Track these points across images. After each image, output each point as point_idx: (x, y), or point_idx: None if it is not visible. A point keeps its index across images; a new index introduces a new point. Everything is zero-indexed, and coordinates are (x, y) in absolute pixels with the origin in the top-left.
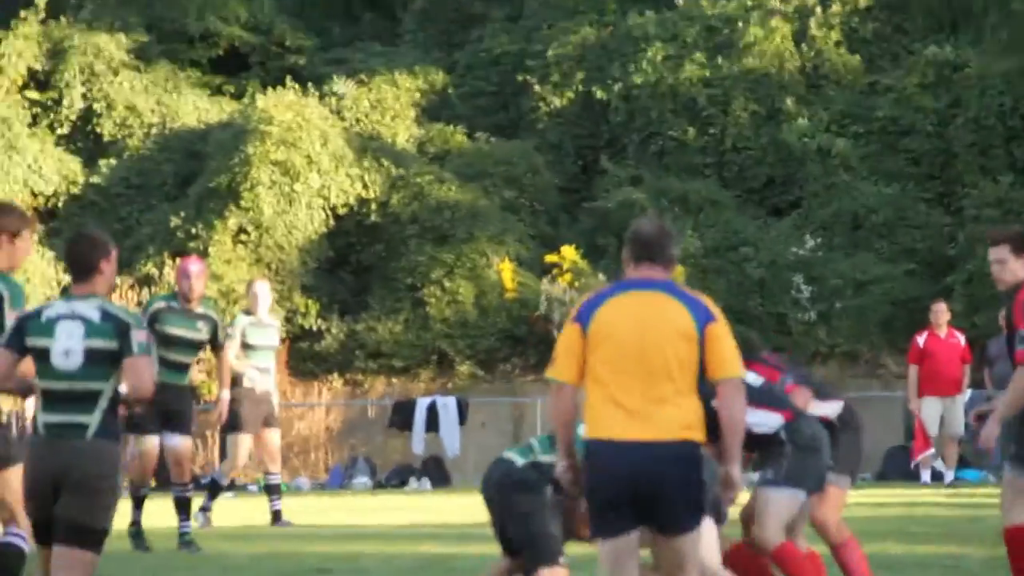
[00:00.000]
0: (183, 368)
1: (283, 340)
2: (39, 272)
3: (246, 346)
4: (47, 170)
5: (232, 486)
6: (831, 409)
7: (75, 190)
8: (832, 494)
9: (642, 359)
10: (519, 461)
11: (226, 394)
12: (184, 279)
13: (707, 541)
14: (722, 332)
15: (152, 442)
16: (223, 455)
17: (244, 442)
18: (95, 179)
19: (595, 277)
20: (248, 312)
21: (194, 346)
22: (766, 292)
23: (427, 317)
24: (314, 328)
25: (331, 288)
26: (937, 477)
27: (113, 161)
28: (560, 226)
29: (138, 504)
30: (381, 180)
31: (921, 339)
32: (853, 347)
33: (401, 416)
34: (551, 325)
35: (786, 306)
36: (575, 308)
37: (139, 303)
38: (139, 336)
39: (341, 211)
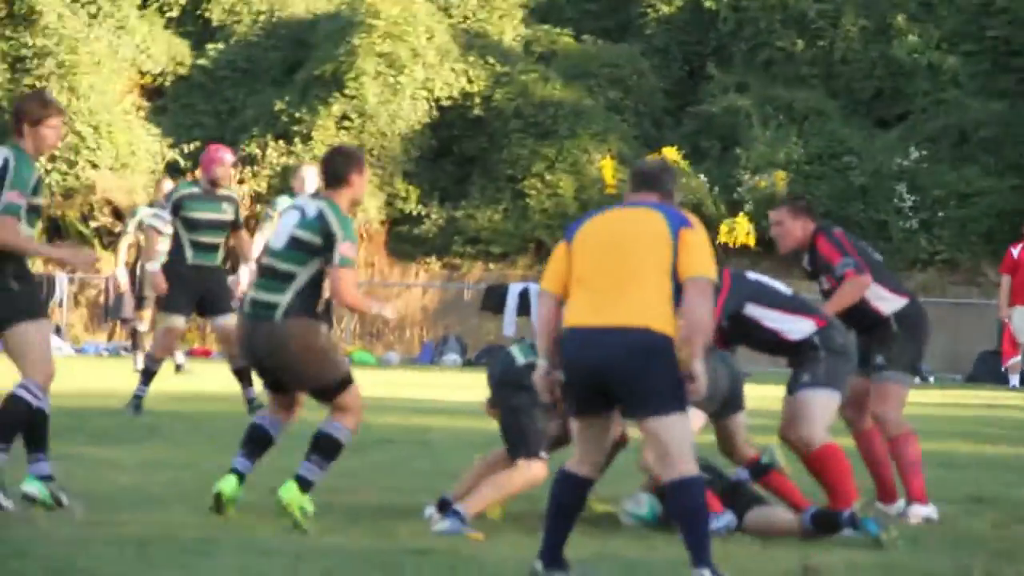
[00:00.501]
0: (214, 249)
1: (382, 223)
2: (144, 147)
3: None
4: (155, 51)
5: None
6: (887, 304)
7: (182, 71)
8: (892, 391)
9: (614, 257)
10: (520, 359)
11: (245, 271)
12: (217, 165)
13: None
14: (696, 238)
15: (179, 321)
16: None
17: None
18: (202, 61)
19: (696, 178)
20: (293, 194)
21: (221, 227)
22: (868, 199)
23: (526, 208)
24: (414, 213)
25: (432, 176)
26: None
27: (221, 46)
28: (663, 128)
29: (148, 378)
30: (485, 76)
31: (1016, 250)
32: (953, 255)
33: (493, 299)
34: None
35: (888, 214)
36: (566, 230)
37: (241, 181)
38: (344, 248)
39: (445, 103)
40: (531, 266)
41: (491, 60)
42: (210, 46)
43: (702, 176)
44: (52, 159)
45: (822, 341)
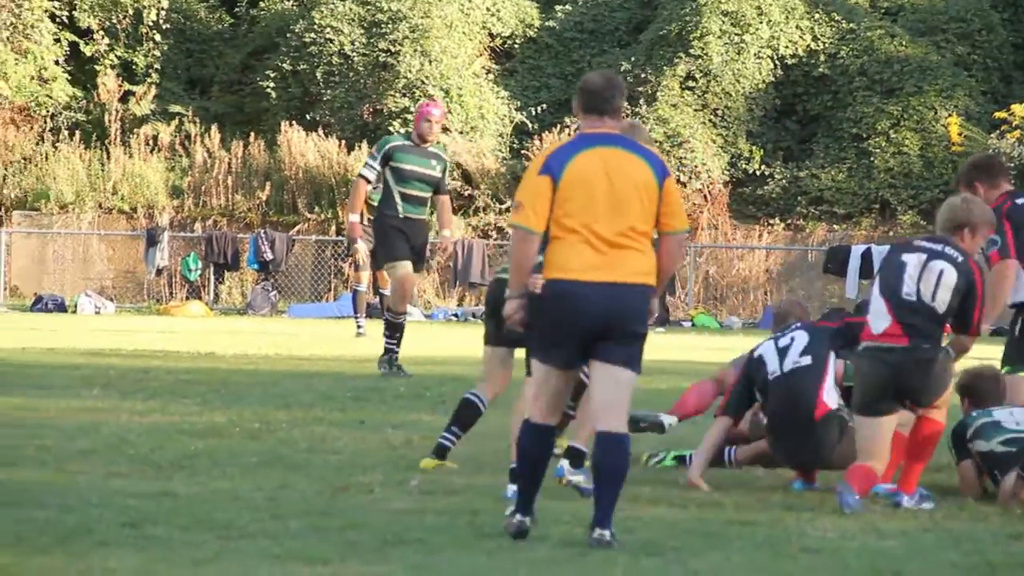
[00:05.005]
0: (422, 203)
1: (725, 184)
2: (492, 110)
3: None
4: (505, 13)
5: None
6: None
7: (531, 33)
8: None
9: (613, 209)
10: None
11: (447, 233)
12: (425, 121)
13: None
14: (675, 187)
15: (407, 267)
16: None
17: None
18: (550, 23)
19: None
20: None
21: (430, 182)
22: None
23: (871, 167)
24: (757, 173)
25: (776, 136)
26: None
27: (568, 7)
28: (1012, 83)
29: (395, 330)
30: (831, 33)
31: None
32: None
33: (835, 262)
34: None
35: None
36: (540, 161)
37: None
38: None
39: (789, 62)
40: (875, 227)
41: (837, 16)
42: (558, 7)
43: None
44: (405, 123)
45: None
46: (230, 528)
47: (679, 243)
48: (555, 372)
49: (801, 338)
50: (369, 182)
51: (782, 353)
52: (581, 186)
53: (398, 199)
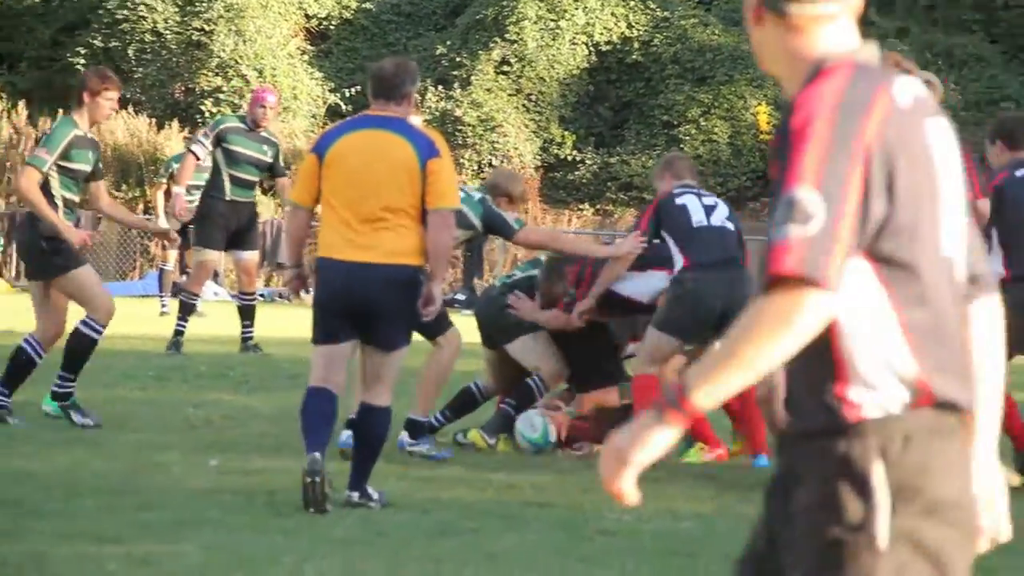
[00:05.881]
0: (251, 186)
1: (537, 168)
2: (306, 91)
3: None
4: None
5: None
6: None
7: (347, 15)
8: None
9: (367, 189)
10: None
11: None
12: (260, 107)
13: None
14: (442, 167)
15: (211, 256)
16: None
17: None
18: (367, 5)
19: None
20: None
21: (260, 167)
22: None
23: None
24: (568, 158)
25: (588, 121)
26: None
27: None
28: None
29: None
30: (645, 20)
31: None
32: None
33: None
34: None
35: None
36: (316, 140)
37: None
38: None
39: (604, 48)
40: None
41: (652, 5)
42: None
43: None
44: (217, 102)
45: None
46: (21, 506)
47: (442, 219)
48: (326, 346)
49: (723, 207)
50: (199, 159)
51: (708, 210)
52: (337, 166)
53: (227, 181)
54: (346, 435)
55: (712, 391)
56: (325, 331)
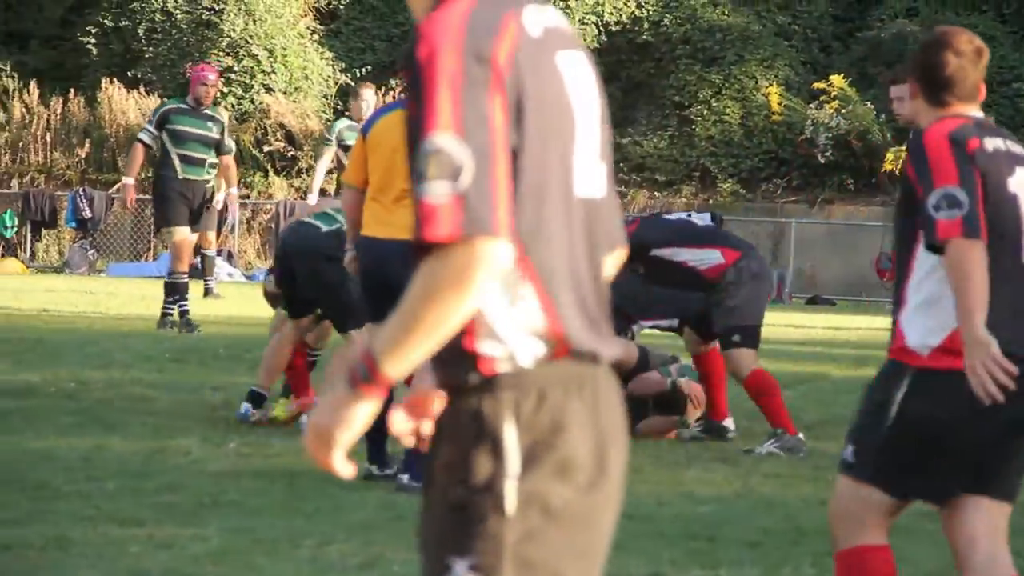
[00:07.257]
0: (200, 164)
1: None
2: (317, 71)
3: (345, 148)
4: None
5: None
6: None
7: None
8: None
9: (390, 170)
10: (323, 227)
11: (234, 191)
12: (201, 85)
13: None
14: None
15: (183, 232)
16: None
17: None
18: None
19: (862, 105)
20: (350, 117)
21: (207, 143)
22: None
23: (692, 135)
24: None
25: None
26: None
27: None
28: (832, 54)
29: (174, 291)
30: (655, 0)
31: None
32: None
33: None
34: (816, 150)
35: None
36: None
37: None
38: None
39: (614, 28)
40: (696, 194)
41: None
42: None
43: (869, 103)
44: (228, 83)
45: None
46: (43, 489)
47: None
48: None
49: None
50: (148, 147)
51: None
52: (375, 146)
53: (176, 160)
54: None
55: (402, 360)
56: (367, 310)
